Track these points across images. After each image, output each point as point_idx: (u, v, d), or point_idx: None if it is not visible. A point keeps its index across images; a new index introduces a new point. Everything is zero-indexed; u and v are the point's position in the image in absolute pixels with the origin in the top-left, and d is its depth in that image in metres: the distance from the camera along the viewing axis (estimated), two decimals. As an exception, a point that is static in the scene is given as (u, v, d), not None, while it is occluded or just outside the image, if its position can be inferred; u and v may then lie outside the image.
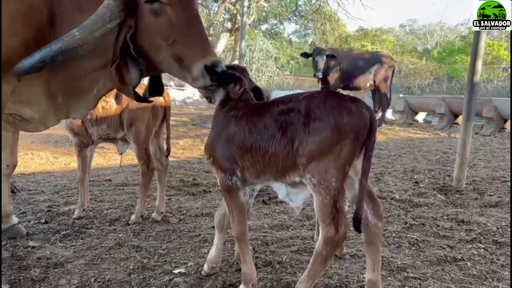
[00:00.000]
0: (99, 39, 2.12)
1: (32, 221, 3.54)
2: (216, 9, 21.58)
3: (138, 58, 2.20)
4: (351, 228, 2.17)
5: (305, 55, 10.19)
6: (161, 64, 2.29)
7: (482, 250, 3.01)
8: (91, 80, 2.44)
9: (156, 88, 2.48)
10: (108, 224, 3.51)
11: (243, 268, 2.36)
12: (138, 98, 2.36)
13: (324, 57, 9.61)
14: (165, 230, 3.38)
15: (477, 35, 4.53)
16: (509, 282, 2.55)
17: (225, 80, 2.30)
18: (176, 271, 2.65)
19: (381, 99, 10.48)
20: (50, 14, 2.24)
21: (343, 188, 2.06)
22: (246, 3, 12.51)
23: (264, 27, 31.77)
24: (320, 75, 9.66)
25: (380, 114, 10.50)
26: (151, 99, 2.53)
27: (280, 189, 2.28)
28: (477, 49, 4.55)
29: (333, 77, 9.99)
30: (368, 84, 10.43)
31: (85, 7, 2.26)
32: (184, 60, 2.23)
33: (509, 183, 4.80)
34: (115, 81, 2.23)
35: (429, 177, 5.15)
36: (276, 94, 11.74)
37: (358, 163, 2.10)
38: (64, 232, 3.27)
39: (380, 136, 9.42)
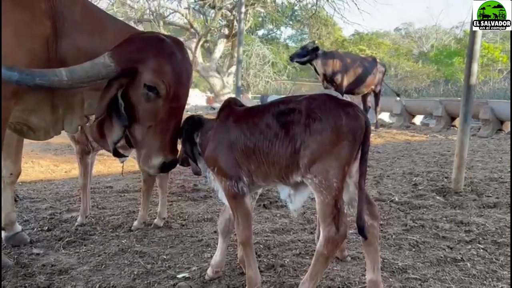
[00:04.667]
0: (86, 86, 2.16)
1: (35, 229, 3.57)
2: (213, 15, 21.68)
3: (126, 116, 2.22)
4: (351, 231, 2.20)
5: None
6: (130, 128, 2.36)
7: (482, 250, 3.04)
8: (80, 98, 2.49)
9: None
10: (111, 230, 3.54)
11: (248, 272, 2.38)
12: (117, 154, 2.45)
13: None
14: (168, 236, 3.41)
15: (473, 37, 4.53)
16: (509, 281, 2.58)
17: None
18: (180, 275, 2.67)
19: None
20: (54, 26, 2.28)
21: (343, 188, 2.10)
22: (242, 9, 12.58)
23: (260, 32, 32.01)
24: None
25: None
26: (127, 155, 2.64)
27: (283, 188, 2.32)
28: (472, 51, 4.56)
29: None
30: None
31: (83, 29, 2.35)
32: (148, 146, 2.34)
33: (507, 184, 4.84)
34: (95, 133, 2.27)
35: (427, 179, 5.18)
36: (273, 99, 11.78)
37: (353, 167, 2.14)
38: (67, 239, 3.30)
39: (378, 139, 9.48)
